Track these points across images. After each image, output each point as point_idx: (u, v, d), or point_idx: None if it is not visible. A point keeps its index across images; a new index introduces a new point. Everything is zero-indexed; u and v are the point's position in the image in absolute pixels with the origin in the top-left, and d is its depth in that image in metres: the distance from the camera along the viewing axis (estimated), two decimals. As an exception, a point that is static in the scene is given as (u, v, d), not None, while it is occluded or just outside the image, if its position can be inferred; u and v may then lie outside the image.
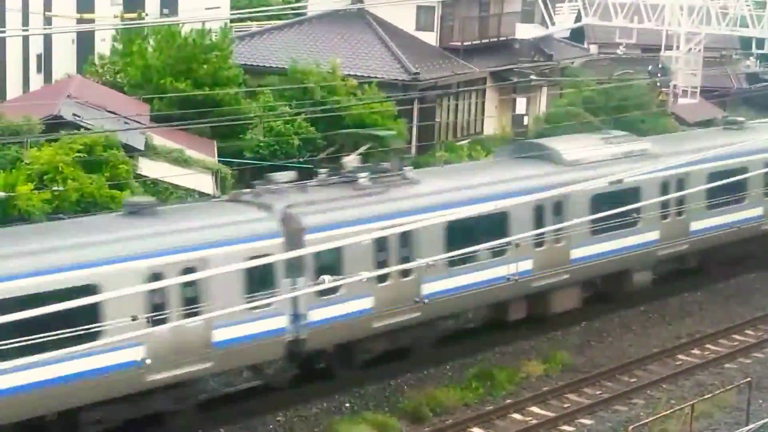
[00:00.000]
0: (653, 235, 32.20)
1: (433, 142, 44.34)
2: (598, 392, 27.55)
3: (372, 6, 46.80)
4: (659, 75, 47.09)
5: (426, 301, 26.62)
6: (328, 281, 23.83)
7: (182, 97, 36.54)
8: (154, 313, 22.27)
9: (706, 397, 26.47)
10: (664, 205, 31.90)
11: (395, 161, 29.26)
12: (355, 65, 43.97)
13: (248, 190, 26.25)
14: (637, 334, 31.40)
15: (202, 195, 32.06)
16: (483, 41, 49.34)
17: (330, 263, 24.55)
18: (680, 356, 30.12)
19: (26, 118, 32.07)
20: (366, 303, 25.65)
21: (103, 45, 44.19)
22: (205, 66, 38.17)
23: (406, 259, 25.90)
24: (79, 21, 45.02)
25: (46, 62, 45.67)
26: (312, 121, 38.18)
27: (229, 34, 42.09)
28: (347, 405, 26.00)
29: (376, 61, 44.76)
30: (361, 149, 29.71)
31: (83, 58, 45.09)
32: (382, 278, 25.65)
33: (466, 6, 48.67)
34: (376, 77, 42.85)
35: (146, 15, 46.90)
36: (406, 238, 25.81)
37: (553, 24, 51.87)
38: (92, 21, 45.21)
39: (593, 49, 59.33)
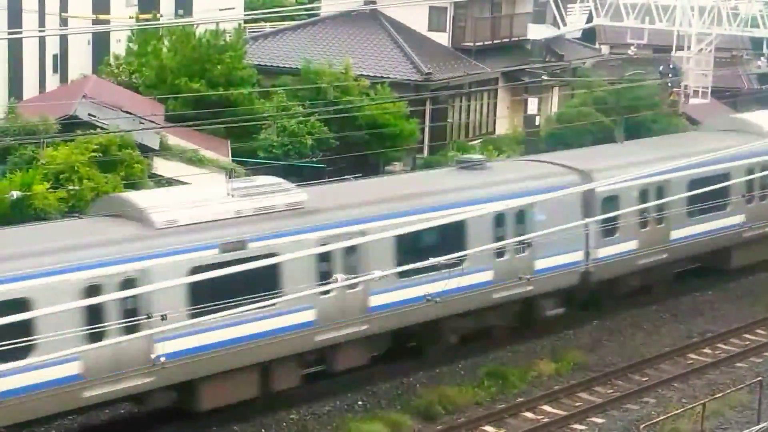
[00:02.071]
0: None
1: (445, 141, 44.54)
2: (609, 391, 27.65)
3: (384, 7, 46.99)
4: (670, 75, 47.13)
5: (672, 244, 32.15)
6: (340, 280, 24.33)
7: (197, 97, 36.81)
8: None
9: (717, 396, 26.57)
10: None
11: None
12: (368, 65, 44.19)
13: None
14: (648, 333, 31.50)
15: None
16: (495, 42, 49.51)
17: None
18: (692, 355, 30.21)
19: (42, 117, 32.35)
20: (633, 245, 30.94)
21: (119, 45, 44.47)
22: (219, 66, 38.41)
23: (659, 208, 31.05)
24: (95, 22, 45.31)
25: (62, 63, 45.95)
26: (325, 121, 38.40)
27: (243, 34, 42.32)
28: (360, 403, 26.15)
29: (389, 61, 44.96)
30: None
31: (99, 58, 45.37)
32: (643, 224, 31.20)
33: (478, 7, 48.85)
34: (388, 77, 43.05)
35: (161, 16, 47.14)
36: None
37: (564, 24, 51.97)
38: (108, 22, 45.49)
39: (604, 49, 59.43)
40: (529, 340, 30.01)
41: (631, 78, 48.53)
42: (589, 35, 58.49)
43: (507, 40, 50.30)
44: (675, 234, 32.26)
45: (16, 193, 28.33)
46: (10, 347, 19.34)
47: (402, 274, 24.98)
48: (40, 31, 43.11)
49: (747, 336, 31.78)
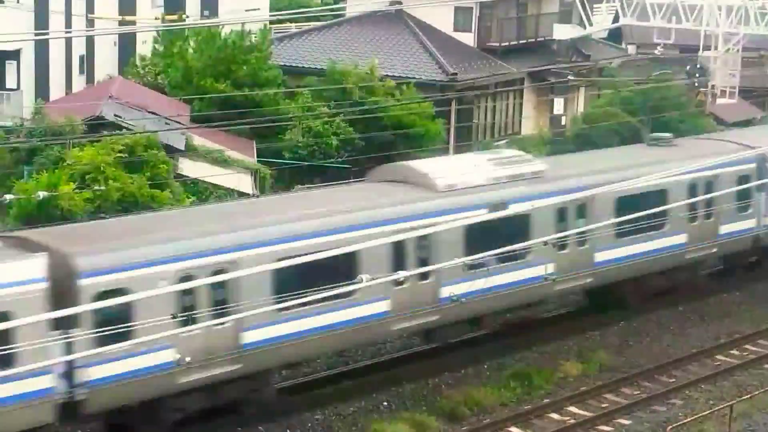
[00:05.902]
0: None
1: (470, 142, 44.45)
2: (636, 392, 27.53)
3: (410, 7, 46.97)
4: (697, 75, 46.90)
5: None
6: (365, 280, 24.38)
7: (222, 97, 36.88)
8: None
9: (744, 397, 26.42)
10: None
11: None
12: (393, 66, 44.17)
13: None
14: (675, 335, 31.35)
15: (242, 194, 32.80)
16: (521, 42, 49.41)
17: None
18: (719, 356, 30.03)
19: (69, 118, 32.51)
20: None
21: (145, 46, 44.63)
22: (244, 67, 38.49)
23: None
24: (121, 23, 45.47)
25: (88, 64, 46.16)
26: (350, 121, 38.40)
27: (269, 35, 42.40)
28: (385, 404, 26.10)
29: (414, 61, 44.93)
30: None
31: (125, 59, 45.56)
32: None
33: (503, 7, 48.76)
34: (414, 78, 43.02)
35: (187, 17, 47.24)
36: None
37: (590, 24, 51.79)
38: (134, 23, 45.65)
39: (631, 49, 59.18)
40: (555, 340, 29.93)
41: (657, 78, 48.31)
42: (616, 35, 58.27)
43: (533, 40, 50.19)
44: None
45: (42, 194, 28.46)
46: None
47: None
48: (66, 32, 43.32)
49: (775, 337, 31.59)
